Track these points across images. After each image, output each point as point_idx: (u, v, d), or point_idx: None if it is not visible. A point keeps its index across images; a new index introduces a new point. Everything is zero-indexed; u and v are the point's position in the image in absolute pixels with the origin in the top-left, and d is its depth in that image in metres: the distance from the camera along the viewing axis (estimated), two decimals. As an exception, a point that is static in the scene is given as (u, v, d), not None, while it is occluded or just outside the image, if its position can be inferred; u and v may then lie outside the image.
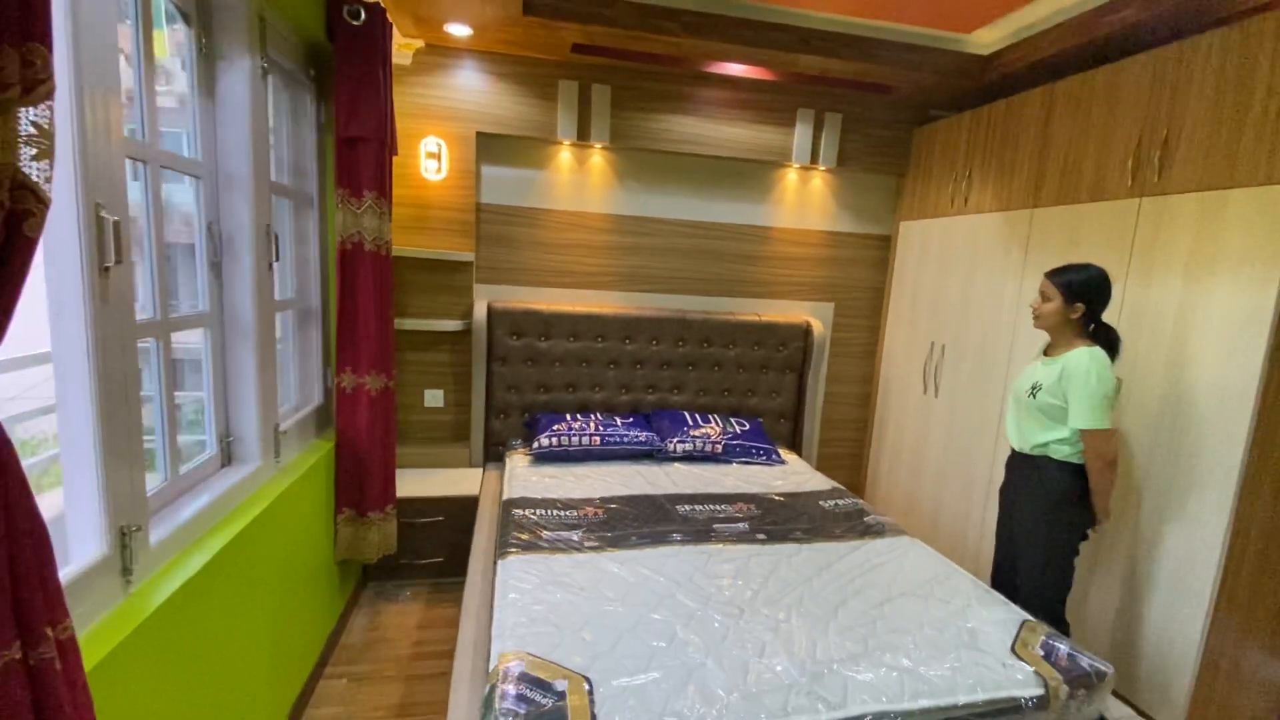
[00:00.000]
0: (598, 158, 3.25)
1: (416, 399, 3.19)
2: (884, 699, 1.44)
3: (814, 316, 3.60)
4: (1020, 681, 1.53)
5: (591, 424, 3.04)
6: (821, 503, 2.63)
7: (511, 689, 1.38)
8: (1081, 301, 1.92)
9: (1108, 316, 2.03)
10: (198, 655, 1.39)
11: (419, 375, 3.18)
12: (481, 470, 3.09)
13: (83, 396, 1.12)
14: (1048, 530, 1.99)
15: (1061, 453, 1.97)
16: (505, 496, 2.51)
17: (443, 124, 2.98)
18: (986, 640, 1.68)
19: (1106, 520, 2.02)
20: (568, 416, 3.11)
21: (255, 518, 1.65)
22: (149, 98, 1.41)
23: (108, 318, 1.14)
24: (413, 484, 2.85)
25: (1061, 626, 2.05)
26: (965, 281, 3.03)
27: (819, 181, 3.52)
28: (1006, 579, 2.17)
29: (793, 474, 2.98)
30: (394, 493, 2.46)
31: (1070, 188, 2.47)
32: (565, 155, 3.21)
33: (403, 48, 2.83)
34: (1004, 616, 1.79)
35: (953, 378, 3.09)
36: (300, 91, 2.16)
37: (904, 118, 3.45)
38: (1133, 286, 2.21)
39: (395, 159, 2.94)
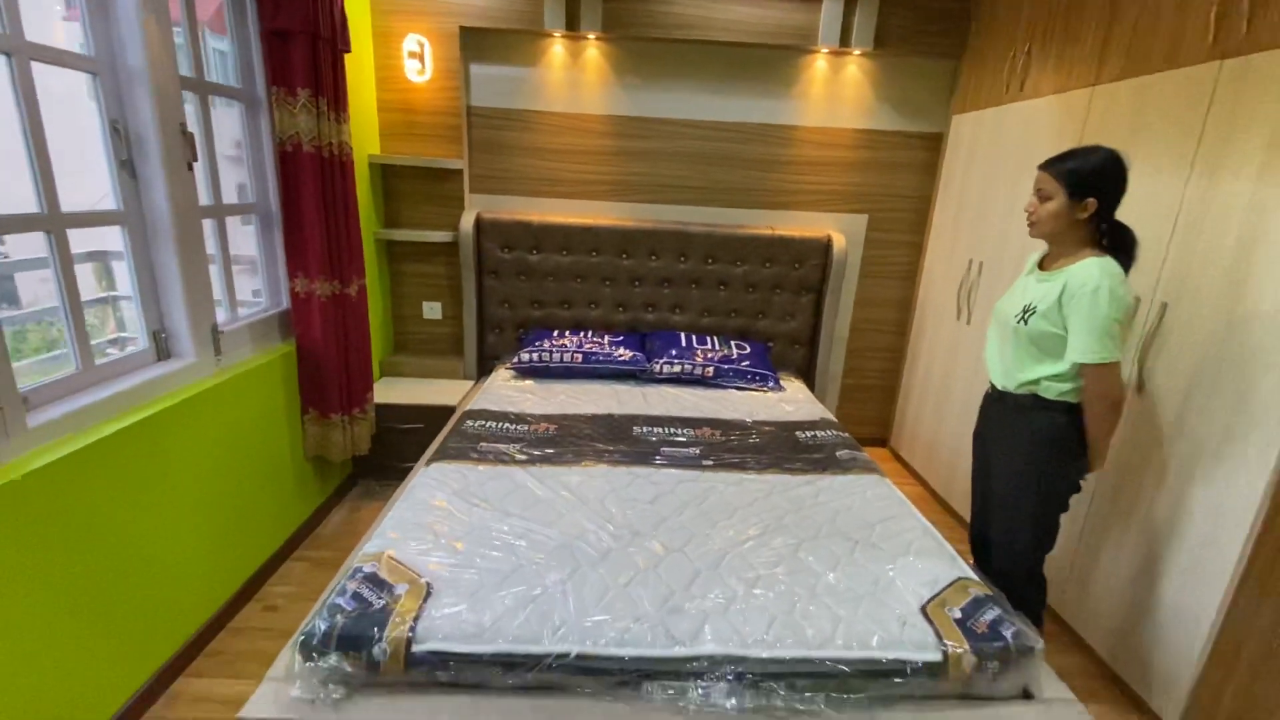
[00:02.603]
0: (593, 51, 2.97)
1: (416, 310, 3.24)
2: (735, 644, 1.29)
3: (841, 230, 3.19)
4: (913, 644, 1.31)
5: (576, 341, 2.95)
6: (798, 433, 2.40)
7: (352, 586, 1.38)
8: (1093, 195, 1.48)
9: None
10: (98, 515, 1.51)
11: (417, 287, 3.21)
12: (472, 383, 3.12)
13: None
14: (1037, 482, 1.65)
15: (1055, 390, 1.59)
16: (467, 407, 2.52)
17: (424, 19, 2.83)
18: (899, 595, 1.46)
19: (1100, 468, 1.65)
20: (555, 333, 3.03)
21: (172, 406, 1.75)
22: (6, -15, 1.39)
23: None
24: (401, 392, 2.93)
25: (1037, 584, 1.75)
26: (1012, 184, 2.51)
27: (854, 70, 3.02)
28: (984, 538, 1.87)
29: (785, 402, 2.75)
30: (363, 397, 2.54)
31: (1140, 55, 1.91)
32: (558, 49, 2.96)
33: (378, -64, 2.68)
34: (937, 572, 1.54)
35: (987, 302, 2.64)
36: (239, -16, 2.10)
37: (963, -17, 2.83)
38: (1196, 182, 1.70)
39: (377, 59, 2.86)
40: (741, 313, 3.21)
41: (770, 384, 2.89)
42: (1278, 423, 1.47)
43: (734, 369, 2.89)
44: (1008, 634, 1.34)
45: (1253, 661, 1.65)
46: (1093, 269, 1.49)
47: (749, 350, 3.01)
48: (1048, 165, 1.53)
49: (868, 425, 3.52)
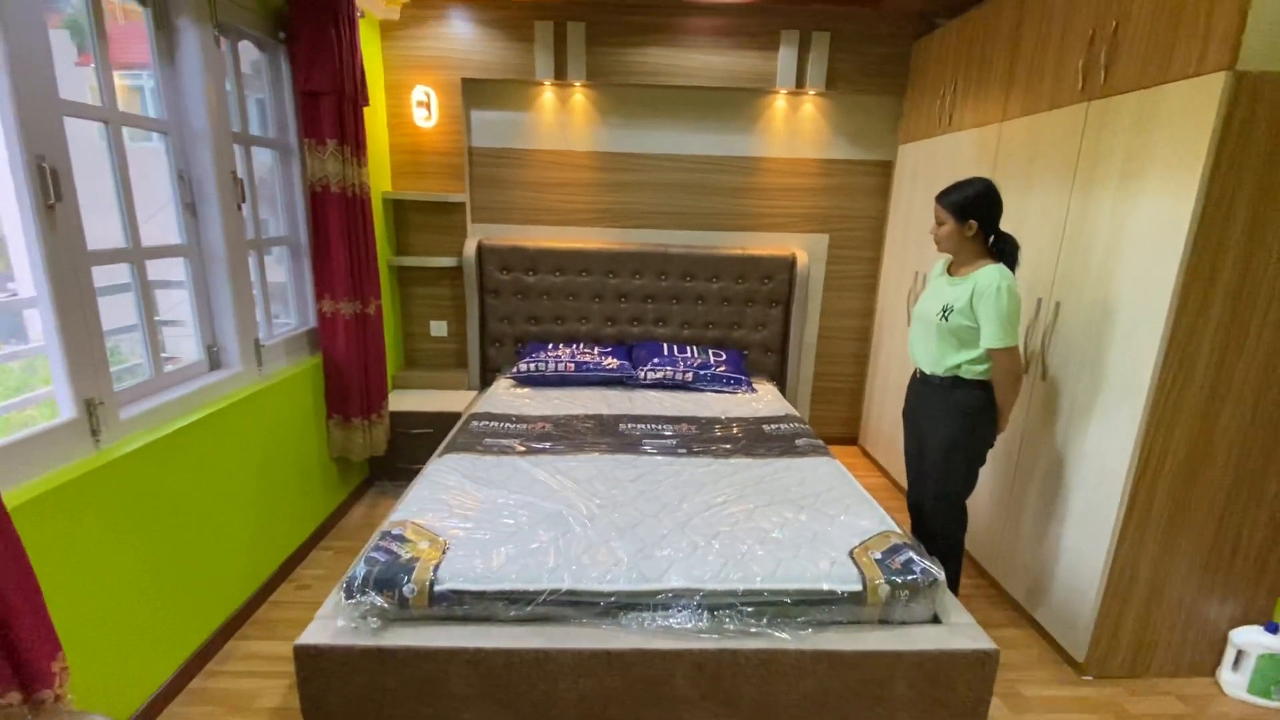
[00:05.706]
0: (579, 96, 3.36)
1: (424, 329, 3.58)
2: (694, 580, 1.60)
3: (806, 249, 3.55)
4: (839, 578, 1.62)
5: (569, 353, 3.28)
6: (765, 427, 2.72)
7: (384, 544, 1.70)
8: (973, 218, 1.87)
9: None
10: (170, 496, 1.83)
11: (425, 307, 3.55)
12: (476, 393, 3.45)
13: (46, 310, 1.51)
14: (965, 445, 2.00)
15: (973, 372, 1.95)
16: (472, 411, 2.84)
17: (431, 73, 3.22)
18: (832, 543, 1.77)
19: (1005, 429, 2.02)
20: (550, 346, 3.37)
21: (224, 407, 2.07)
22: (104, 68, 1.75)
23: (57, 245, 1.51)
24: (412, 401, 3.26)
25: (961, 519, 2.09)
26: (946, 205, 2.87)
27: (810, 107, 3.41)
28: (920, 503, 2.18)
29: (756, 402, 3.07)
30: (379, 404, 2.86)
31: (1034, 96, 2.28)
32: (548, 95, 3.35)
33: (390, 4, 3.08)
34: (866, 526, 1.85)
35: (930, 307, 2.98)
36: (274, 53, 2.47)
37: (902, 31, 3.23)
38: (1076, 200, 2.06)
39: (389, 108, 3.25)
40: (718, 324, 3.55)
41: (744, 387, 3.22)
42: (1137, 391, 1.80)
43: (711, 374, 3.22)
44: (917, 570, 1.65)
45: (1146, 593, 1.96)
46: (993, 274, 1.84)
47: (725, 357, 3.34)
48: (940, 197, 1.91)
49: (838, 425, 3.84)
